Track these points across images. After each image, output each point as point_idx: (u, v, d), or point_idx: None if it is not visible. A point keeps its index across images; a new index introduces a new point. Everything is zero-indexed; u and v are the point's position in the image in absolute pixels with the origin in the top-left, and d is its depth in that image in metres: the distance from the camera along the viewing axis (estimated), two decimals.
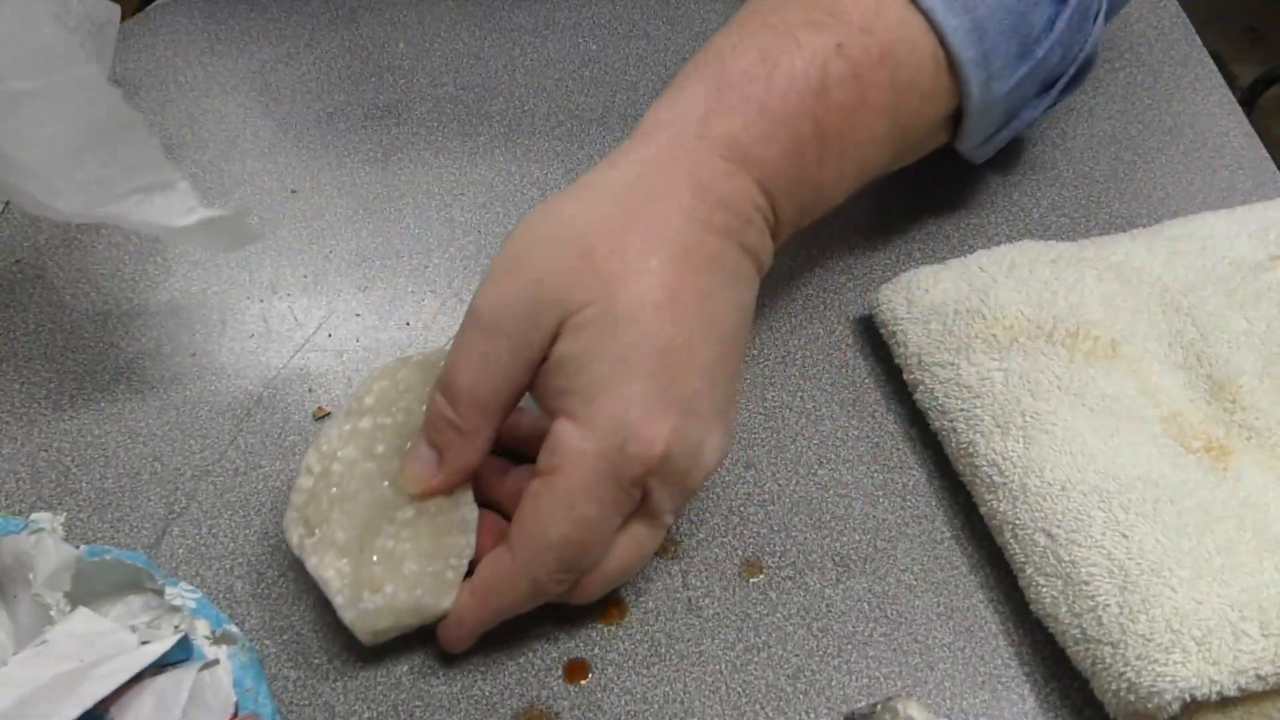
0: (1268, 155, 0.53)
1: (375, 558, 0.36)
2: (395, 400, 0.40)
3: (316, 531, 0.37)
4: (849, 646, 0.38)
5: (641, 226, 0.34)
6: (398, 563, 0.36)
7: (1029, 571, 0.37)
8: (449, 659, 0.37)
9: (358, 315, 0.48)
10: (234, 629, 0.34)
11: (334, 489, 0.38)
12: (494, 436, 0.36)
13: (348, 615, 0.36)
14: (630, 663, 0.37)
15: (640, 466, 0.33)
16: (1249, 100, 1.38)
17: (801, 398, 0.44)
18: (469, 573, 0.37)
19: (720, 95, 0.37)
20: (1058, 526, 0.37)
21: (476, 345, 0.34)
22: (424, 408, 0.39)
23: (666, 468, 0.34)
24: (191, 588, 0.36)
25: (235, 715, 0.33)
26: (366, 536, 0.37)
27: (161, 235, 0.44)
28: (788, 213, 0.39)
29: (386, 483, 0.38)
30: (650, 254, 0.34)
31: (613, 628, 0.38)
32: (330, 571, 0.36)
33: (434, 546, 0.37)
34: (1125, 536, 0.36)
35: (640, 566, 0.37)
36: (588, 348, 0.33)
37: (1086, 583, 0.35)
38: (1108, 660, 0.34)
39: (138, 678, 0.32)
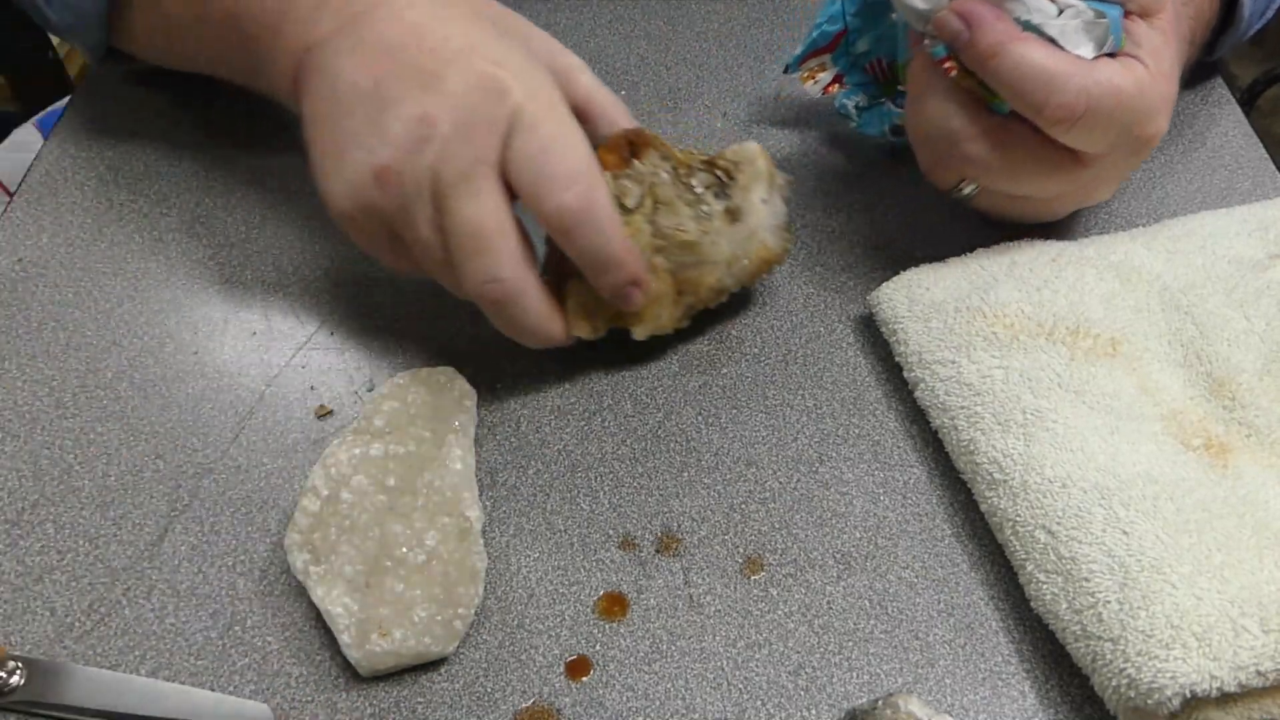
0: (1267, 155, 0.54)
1: (384, 599, 0.37)
2: (406, 426, 0.40)
3: (323, 561, 0.37)
4: (850, 643, 0.38)
5: None
6: (407, 608, 0.37)
7: (1029, 568, 0.37)
8: (449, 658, 0.37)
9: (360, 313, 0.48)
10: None
11: (345, 520, 0.38)
12: None
13: (353, 654, 0.36)
14: (632, 660, 0.37)
15: None
16: (1249, 100, 1.38)
17: (802, 396, 0.45)
18: None
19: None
20: (1058, 523, 0.37)
21: None
22: (433, 435, 0.39)
23: None
24: None
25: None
26: (375, 574, 0.37)
27: None
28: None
29: (400, 526, 0.38)
30: None
31: (614, 625, 0.38)
32: (338, 608, 0.37)
33: (445, 595, 0.37)
34: (1125, 533, 0.36)
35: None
36: None
37: (1087, 579, 0.35)
38: (1108, 657, 0.34)
39: None
